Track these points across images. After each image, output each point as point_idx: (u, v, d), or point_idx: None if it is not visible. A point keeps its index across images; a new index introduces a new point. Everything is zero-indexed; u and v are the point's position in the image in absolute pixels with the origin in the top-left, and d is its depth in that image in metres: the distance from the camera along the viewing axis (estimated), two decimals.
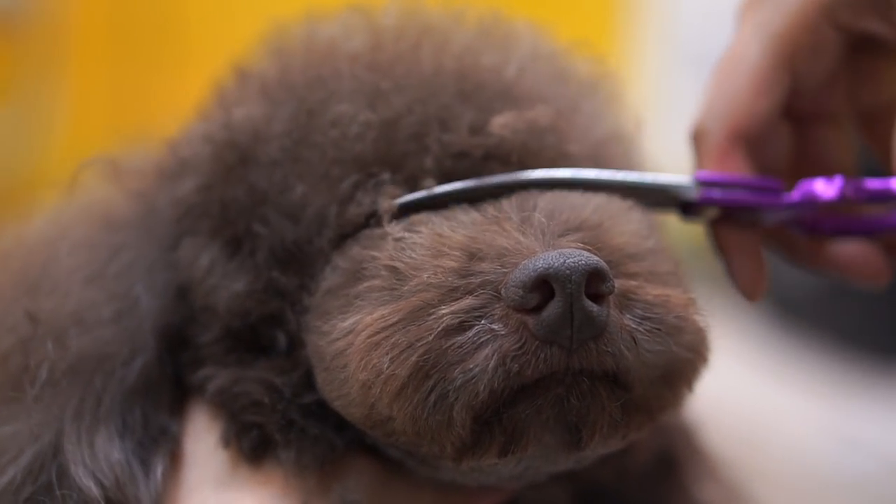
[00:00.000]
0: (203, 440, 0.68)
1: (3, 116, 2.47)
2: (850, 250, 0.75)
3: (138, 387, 0.68)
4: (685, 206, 0.72)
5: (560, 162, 0.69)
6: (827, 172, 0.73)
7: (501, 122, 0.68)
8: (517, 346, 0.57)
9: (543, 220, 0.61)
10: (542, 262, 0.57)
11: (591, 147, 0.71)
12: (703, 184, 0.71)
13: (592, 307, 0.57)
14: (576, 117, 0.72)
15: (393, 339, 0.59)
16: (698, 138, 0.74)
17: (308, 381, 0.66)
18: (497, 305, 0.58)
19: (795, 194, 0.72)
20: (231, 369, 0.67)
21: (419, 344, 0.58)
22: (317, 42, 0.74)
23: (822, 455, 1.56)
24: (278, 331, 0.67)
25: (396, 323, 0.59)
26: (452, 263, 0.60)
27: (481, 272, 0.59)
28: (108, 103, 2.45)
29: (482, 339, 0.58)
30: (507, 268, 0.58)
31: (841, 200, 0.71)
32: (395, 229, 0.64)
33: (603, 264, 0.57)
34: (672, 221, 0.75)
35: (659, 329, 0.60)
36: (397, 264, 0.61)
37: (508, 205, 0.63)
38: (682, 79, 2.11)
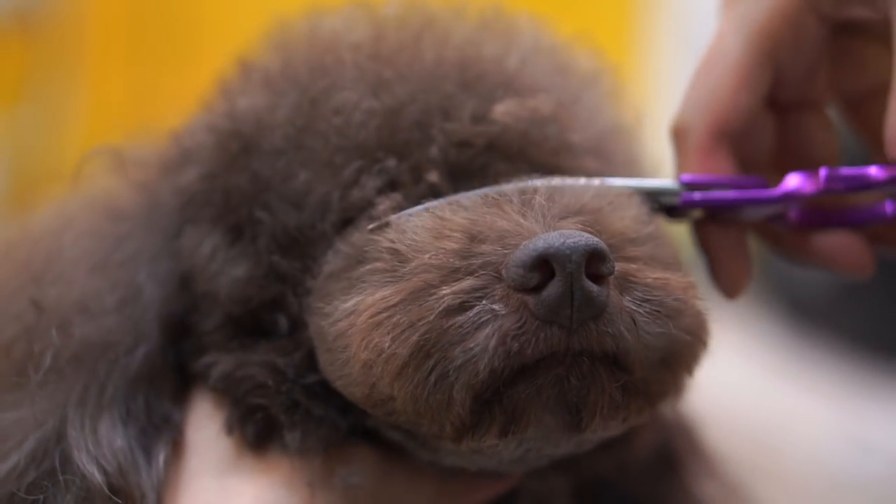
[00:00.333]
0: (205, 428, 0.68)
1: (21, 114, 2.49)
2: (833, 242, 0.74)
3: (141, 375, 0.68)
4: (670, 208, 0.71)
5: (562, 152, 0.69)
6: (810, 160, 0.73)
7: (503, 110, 0.68)
8: (517, 325, 0.57)
9: (544, 203, 0.61)
10: (542, 242, 0.57)
11: (594, 138, 0.71)
12: (687, 186, 0.70)
13: (592, 287, 0.57)
14: (577, 108, 0.72)
15: (394, 319, 0.59)
16: (679, 135, 0.73)
17: (310, 362, 0.66)
18: (498, 286, 0.58)
19: (778, 190, 0.71)
20: (234, 354, 0.67)
21: (420, 323, 0.58)
22: (319, 34, 0.74)
23: (833, 456, 1.56)
24: (279, 314, 0.67)
25: (398, 303, 0.59)
26: (454, 245, 0.60)
27: (482, 253, 0.59)
28: (124, 101, 2.46)
29: (483, 319, 0.58)
30: (507, 249, 0.59)
31: (823, 192, 0.70)
32: (396, 214, 0.64)
33: (603, 245, 0.57)
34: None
35: (659, 311, 0.60)
36: (399, 246, 0.62)
37: (509, 188, 0.63)
38: None
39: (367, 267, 0.62)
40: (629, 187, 0.68)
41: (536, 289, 0.57)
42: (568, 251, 0.56)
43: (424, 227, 0.62)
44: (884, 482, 1.53)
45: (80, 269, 0.70)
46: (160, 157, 0.75)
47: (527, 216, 0.60)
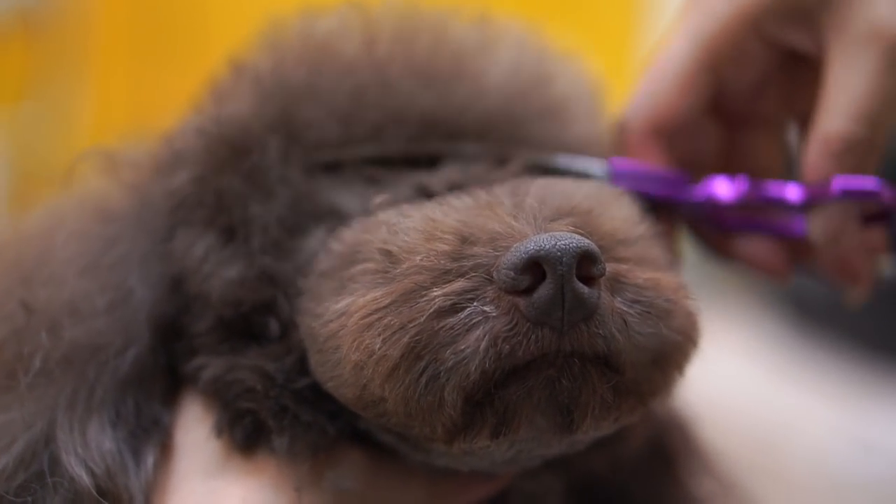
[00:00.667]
0: (194, 430, 0.68)
1: (25, 113, 2.50)
2: (754, 246, 0.78)
3: (131, 377, 0.68)
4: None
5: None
6: (753, 173, 0.77)
7: (484, 112, 0.70)
8: (508, 327, 0.57)
9: (535, 205, 0.61)
10: (533, 244, 0.57)
11: (575, 145, 0.74)
12: (615, 173, 0.73)
13: (583, 289, 0.57)
14: (560, 114, 0.74)
15: (385, 321, 0.59)
16: (620, 128, 0.77)
17: (301, 367, 0.66)
18: (489, 288, 0.58)
19: (698, 193, 0.75)
20: (224, 358, 0.67)
21: (411, 325, 0.58)
22: (312, 34, 0.74)
23: (835, 455, 1.55)
24: (271, 318, 0.67)
25: (389, 305, 0.59)
26: (445, 247, 0.60)
27: (473, 255, 0.59)
28: (127, 100, 2.47)
29: (474, 321, 0.57)
30: (498, 251, 0.58)
31: (740, 201, 0.74)
32: (388, 215, 0.64)
33: (594, 247, 0.57)
34: None
35: (649, 312, 0.60)
36: (390, 247, 0.61)
37: (501, 190, 0.63)
38: None
39: (359, 267, 0.62)
40: (560, 166, 0.71)
41: (527, 291, 0.57)
42: (559, 253, 0.56)
43: (416, 228, 0.62)
44: (886, 482, 1.52)
45: (70, 270, 0.70)
46: (152, 159, 0.75)
47: (518, 218, 0.60)
